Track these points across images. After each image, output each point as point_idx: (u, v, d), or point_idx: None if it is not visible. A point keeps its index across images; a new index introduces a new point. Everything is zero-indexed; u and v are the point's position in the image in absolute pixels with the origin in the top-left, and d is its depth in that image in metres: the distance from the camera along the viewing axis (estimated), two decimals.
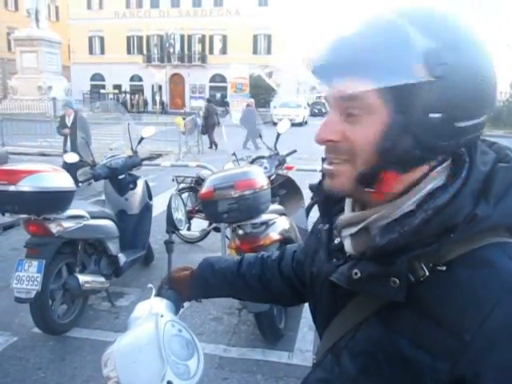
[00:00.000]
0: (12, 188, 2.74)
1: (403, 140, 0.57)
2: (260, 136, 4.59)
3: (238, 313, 3.56)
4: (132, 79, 39.37)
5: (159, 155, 11.24)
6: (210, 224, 4.88)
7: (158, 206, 4.46)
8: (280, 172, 4.01)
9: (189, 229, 5.11)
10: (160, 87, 36.85)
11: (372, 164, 0.60)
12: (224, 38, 37.65)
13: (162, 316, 0.83)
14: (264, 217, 2.98)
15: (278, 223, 3.13)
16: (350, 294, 0.67)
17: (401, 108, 0.56)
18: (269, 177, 3.42)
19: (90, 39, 39.87)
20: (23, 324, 3.25)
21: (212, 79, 38.16)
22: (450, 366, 0.54)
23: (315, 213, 4.62)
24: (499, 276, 0.55)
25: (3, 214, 3.02)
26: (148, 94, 37.90)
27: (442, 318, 0.56)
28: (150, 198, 4.28)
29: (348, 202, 0.72)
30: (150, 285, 1.09)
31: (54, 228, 2.99)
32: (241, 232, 2.90)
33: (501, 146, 0.66)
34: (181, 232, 4.83)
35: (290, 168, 4.30)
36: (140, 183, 4.14)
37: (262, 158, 3.98)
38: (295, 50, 34.72)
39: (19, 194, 2.76)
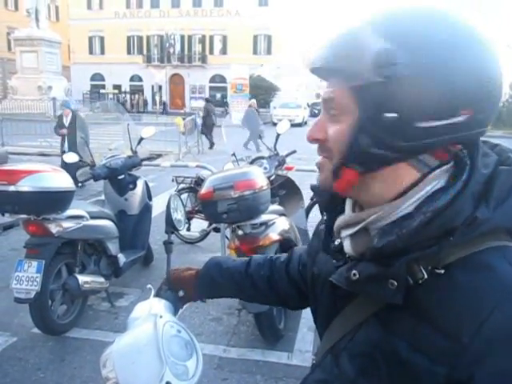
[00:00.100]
0: (12, 188, 2.74)
1: (362, 139, 0.59)
2: (260, 137, 4.59)
3: (238, 313, 3.56)
4: (132, 79, 39.38)
5: (159, 155, 11.25)
6: (210, 224, 4.89)
7: (158, 207, 4.45)
8: (280, 172, 4.01)
9: (188, 229, 5.11)
10: (160, 87, 36.86)
11: (339, 160, 0.63)
12: (224, 39, 37.67)
13: (160, 317, 0.83)
14: (264, 217, 2.98)
15: (277, 224, 3.13)
16: (350, 295, 0.67)
17: (363, 108, 0.58)
18: (268, 177, 3.42)
19: (90, 39, 39.89)
20: (23, 324, 3.25)
21: (212, 79, 38.17)
22: (447, 369, 0.54)
23: (315, 213, 4.63)
24: (498, 280, 0.55)
25: (3, 214, 3.02)
26: (148, 95, 37.92)
27: (440, 321, 0.55)
28: (150, 198, 4.28)
29: (348, 203, 0.72)
30: (149, 285, 1.09)
31: (53, 228, 2.99)
32: (240, 232, 2.90)
33: (503, 148, 0.65)
34: (180, 232, 4.82)
35: (289, 168, 4.30)
36: (140, 183, 4.14)
37: (262, 158, 3.98)
38: (295, 50, 34.75)
39: (19, 194, 2.76)
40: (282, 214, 3.34)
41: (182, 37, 37.70)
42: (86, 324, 3.34)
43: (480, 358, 0.52)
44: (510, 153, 0.64)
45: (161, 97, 36.19)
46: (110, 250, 3.56)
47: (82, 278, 3.15)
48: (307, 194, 4.42)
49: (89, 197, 6.15)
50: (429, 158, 0.60)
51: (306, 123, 24.73)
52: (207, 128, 14.41)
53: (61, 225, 3.03)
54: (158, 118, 24.14)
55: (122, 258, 3.67)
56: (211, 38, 38.01)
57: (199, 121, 14.38)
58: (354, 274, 0.64)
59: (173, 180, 5.35)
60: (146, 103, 36.53)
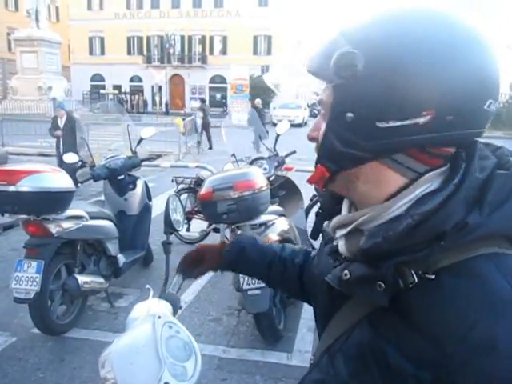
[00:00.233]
0: (11, 188, 2.75)
1: (330, 138, 0.62)
2: (260, 137, 4.59)
3: (237, 314, 3.56)
4: (132, 80, 39.38)
5: (159, 156, 11.26)
6: (210, 225, 4.89)
7: (158, 207, 4.45)
8: (279, 173, 4.02)
9: (188, 230, 5.12)
10: (160, 88, 36.86)
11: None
12: (224, 39, 37.67)
13: (159, 317, 0.83)
14: (263, 218, 2.98)
15: (277, 224, 3.13)
16: (346, 296, 0.67)
17: (331, 109, 0.62)
18: (268, 178, 3.42)
19: (90, 40, 39.89)
20: (22, 324, 3.25)
21: (212, 80, 38.17)
22: (432, 376, 0.53)
23: (314, 213, 4.61)
24: (486, 291, 0.54)
25: (3, 215, 3.02)
26: (148, 95, 37.93)
27: (426, 327, 0.55)
28: (150, 198, 4.28)
29: (345, 203, 0.72)
30: (148, 286, 1.09)
31: (53, 228, 2.99)
32: (240, 233, 2.91)
33: (505, 151, 0.63)
34: (180, 233, 4.83)
35: (289, 169, 4.30)
36: (139, 184, 4.14)
37: (262, 158, 3.99)
38: (295, 51, 34.78)
39: (18, 194, 2.76)
40: (281, 215, 3.35)
41: (182, 37, 37.70)
42: (86, 324, 3.34)
43: (462, 367, 0.52)
44: (510, 156, 0.62)
45: (161, 97, 36.20)
46: (109, 251, 3.56)
47: (81, 279, 3.15)
48: (307, 195, 4.43)
49: (88, 197, 6.15)
50: (405, 158, 0.60)
51: (305, 124, 24.73)
52: (205, 128, 14.44)
53: (60, 225, 3.03)
54: (158, 119, 24.14)
55: (121, 259, 3.67)
56: (211, 38, 38.03)
57: (199, 121, 14.40)
58: (346, 274, 0.64)
59: (172, 180, 5.36)
60: (145, 104, 36.54)
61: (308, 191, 4.24)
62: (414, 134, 0.56)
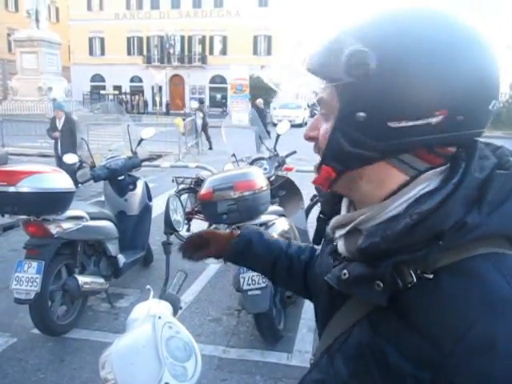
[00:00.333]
0: (11, 189, 2.75)
1: (338, 138, 0.61)
2: (260, 138, 4.59)
3: (237, 314, 3.56)
4: (132, 80, 39.38)
5: (159, 156, 11.26)
6: (210, 225, 4.88)
7: (158, 207, 4.44)
8: (279, 173, 4.02)
9: (188, 230, 5.11)
10: (160, 88, 36.86)
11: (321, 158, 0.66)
12: (224, 39, 37.68)
13: (159, 318, 0.83)
14: (263, 218, 2.98)
15: (277, 224, 3.13)
16: (345, 296, 0.67)
17: (340, 107, 0.60)
18: (268, 178, 3.42)
19: (90, 40, 39.90)
20: (22, 325, 3.25)
21: (212, 80, 38.17)
22: (431, 376, 0.53)
23: (315, 214, 4.62)
24: (484, 290, 0.54)
25: (3, 215, 3.02)
26: (148, 95, 37.93)
27: (424, 327, 0.55)
28: (150, 199, 4.28)
29: (344, 203, 0.72)
30: (148, 286, 1.09)
31: (53, 229, 2.99)
32: (246, 225, 2.90)
33: (505, 151, 0.63)
34: (180, 233, 4.82)
35: (289, 169, 4.31)
36: (139, 184, 4.14)
37: (262, 159, 3.99)
38: (295, 50, 34.79)
39: (19, 194, 2.76)
40: (281, 215, 3.35)
41: (182, 37, 37.71)
42: (86, 325, 3.34)
43: (461, 367, 0.52)
44: (510, 156, 0.62)
45: (161, 98, 36.22)
46: (109, 251, 3.56)
47: (81, 279, 3.15)
48: (307, 195, 4.43)
49: (89, 198, 6.15)
50: (411, 158, 0.60)
51: (306, 124, 24.72)
52: (204, 129, 14.44)
53: (61, 225, 3.03)
54: (158, 119, 24.13)
55: (121, 259, 3.67)
56: (211, 38, 38.03)
57: (199, 121, 14.39)
58: (344, 274, 0.64)
59: (173, 181, 5.36)
60: (146, 104, 36.54)
61: (308, 191, 4.24)
62: (426, 134, 0.57)
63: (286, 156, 4.11)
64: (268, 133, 4.57)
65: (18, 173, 2.84)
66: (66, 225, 3.07)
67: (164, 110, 34.04)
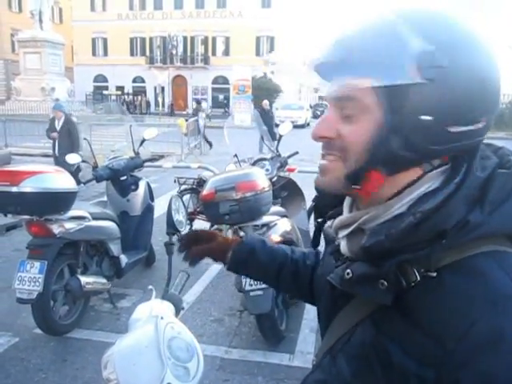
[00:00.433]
0: (14, 189, 2.76)
1: (392, 141, 0.58)
2: (262, 138, 4.59)
3: (239, 314, 3.55)
4: (135, 81, 39.46)
5: (161, 157, 11.28)
6: (212, 226, 4.88)
7: (160, 208, 4.46)
8: (282, 174, 4.02)
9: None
10: (163, 89, 36.93)
11: (361, 162, 0.61)
12: (227, 40, 37.71)
13: (161, 318, 0.83)
14: (265, 219, 2.98)
15: (279, 225, 3.13)
16: (348, 296, 0.67)
17: (393, 109, 0.57)
18: (270, 178, 3.42)
19: (93, 41, 40.01)
20: (25, 325, 3.26)
21: (214, 81, 38.21)
22: (435, 374, 0.53)
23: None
24: (487, 287, 0.54)
25: (5, 215, 3.03)
26: (151, 96, 37.99)
27: (428, 325, 0.55)
28: (152, 199, 4.29)
29: (346, 204, 0.72)
30: (150, 286, 1.09)
31: (55, 229, 3.00)
32: (242, 234, 2.91)
33: (506, 151, 0.64)
34: (182, 233, 4.82)
35: (291, 170, 4.30)
36: (142, 184, 4.15)
37: (264, 159, 3.99)
38: (297, 51, 34.78)
39: (21, 194, 2.77)
40: (283, 216, 3.34)
41: (185, 38, 37.76)
42: (88, 325, 3.35)
43: (465, 363, 0.52)
44: (511, 156, 0.63)
45: (163, 98, 36.27)
46: (112, 251, 3.57)
47: (84, 279, 3.16)
48: (309, 196, 4.43)
49: (91, 198, 6.16)
50: (438, 161, 0.61)
51: (308, 125, 24.73)
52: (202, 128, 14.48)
53: (63, 226, 3.04)
54: (161, 120, 24.18)
55: (124, 259, 3.68)
56: (214, 39, 38.07)
57: (201, 122, 14.40)
58: (348, 274, 0.64)
59: (175, 181, 5.36)
60: (148, 104, 36.61)
61: (310, 192, 4.22)
62: (471, 138, 0.58)
63: (288, 157, 4.11)
64: (274, 134, 4.54)
65: (21, 173, 2.85)
66: (69, 225, 3.08)
67: (166, 110, 34.09)
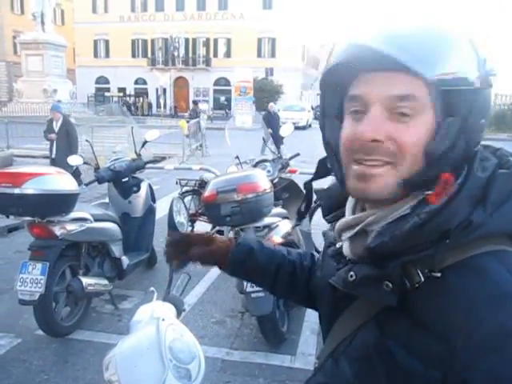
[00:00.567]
0: (16, 191, 2.76)
1: (458, 142, 0.58)
2: (264, 140, 4.60)
3: (241, 316, 3.55)
4: (136, 82, 39.52)
5: (163, 158, 11.29)
6: (213, 227, 4.89)
7: (162, 209, 4.47)
8: (283, 175, 4.02)
9: (192, 232, 5.12)
10: (164, 90, 36.96)
11: (421, 166, 0.59)
12: (228, 42, 37.75)
13: (163, 320, 0.83)
14: (267, 220, 2.98)
15: (280, 226, 3.13)
16: (350, 299, 0.67)
17: (458, 111, 0.58)
18: (272, 180, 3.43)
19: (95, 42, 40.09)
20: (27, 326, 3.26)
21: (216, 82, 38.24)
22: (442, 374, 0.54)
23: (318, 216, 4.61)
24: (491, 286, 0.54)
25: (8, 217, 3.03)
26: (152, 98, 38.04)
27: (434, 325, 0.55)
28: (154, 200, 4.29)
29: (349, 206, 0.73)
30: (152, 288, 1.09)
31: (57, 230, 3.00)
32: (243, 235, 2.91)
33: (504, 152, 0.65)
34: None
35: (293, 171, 4.31)
36: (143, 186, 4.15)
37: (266, 161, 4.00)
38: (299, 53, 34.80)
39: (23, 196, 2.78)
40: (285, 217, 3.34)
41: (187, 40, 37.81)
42: (90, 326, 3.35)
43: (472, 363, 0.52)
44: (510, 156, 0.64)
45: (165, 100, 36.32)
46: (113, 253, 3.57)
47: (85, 281, 3.16)
48: None
49: (93, 199, 6.17)
50: None
51: (310, 126, 24.72)
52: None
53: (65, 227, 3.04)
54: (163, 121, 24.20)
55: (125, 261, 3.68)
56: (215, 41, 38.12)
57: (203, 124, 14.40)
58: (351, 276, 0.64)
59: (176, 183, 5.37)
60: (150, 106, 36.66)
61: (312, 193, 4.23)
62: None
63: (290, 158, 4.12)
64: (281, 137, 4.50)
65: (23, 174, 2.85)
66: (71, 226, 3.08)
67: (168, 112, 34.13)
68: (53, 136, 7.47)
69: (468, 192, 0.57)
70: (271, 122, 11.15)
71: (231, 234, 3.56)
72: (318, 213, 4.55)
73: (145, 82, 39.38)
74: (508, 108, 24.50)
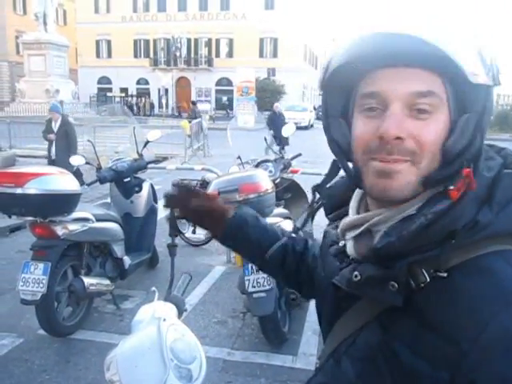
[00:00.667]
0: (18, 190, 2.77)
1: (474, 139, 0.59)
2: (265, 139, 4.59)
3: (242, 316, 3.55)
4: (138, 82, 39.58)
5: (165, 158, 11.30)
6: None
7: (163, 209, 4.46)
8: (285, 175, 4.02)
9: (194, 232, 5.06)
10: (166, 90, 37.01)
11: (439, 164, 0.59)
12: (230, 42, 37.78)
13: (164, 320, 0.83)
14: (268, 220, 2.97)
15: (282, 227, 3.12)
16: (352, 299, 0.66)
17: (473, 108, 0.58)
18: (273, 180, 3.42)
19: (98, 43, 40.17)
20: (29, 326, 3.27)
21: (218, 83, 38.27)
22: (449, 375, 0.53)
23: (320, 216, 4.59)
24: (498, 285, 0.54)
25: (10, 217, 3.04)
26: (154, 98, 38.09)
27: (441, 326, 0.55)
28: (156, 200, 4.30)
29: (353, 205, 0.72)
30: (153, 288, 1.09)
31: (59, 230, 3.01)
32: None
33: (509, 151, 0.65)
34: (186, 235, 4.83)
35: (295, 171, 4.31)
36: (145, 186, 4.16)
37: (267, 161, 3.99)
38: (301, 53, 34.78)
39: (25, 196, 2.78)
40: (287, 217, 3.34)
41: (189, 40, 37.86)
42: (92, 326, 3.35)
43: (480, 364, 0.51)
44: None
45: (167, 100, 36.37)
46: (115, 253, 3.57)
47: (87, 280, 3.17)
48: None
49: (95, 199, 6.18)
50: None
51: (312, 126, 24.72)
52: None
53: (67, 227, 3.05)
54: (165, 121, 24.23)
55: (127, 261, 3.68)
56: (217, 41, 38.15)
57: (205, 124, 14.40)
58: (356, 276, 0.63)
59: None
60: (152, 106, 36.71)
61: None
62: None
63: (292, 158, 4.11)
64: (286, 138, 4.49)
65: (25, 174, 2.86)
66: (73, 226, 3.09)
67: (170, 112, 34.17)
68: (52, 136, 7.43)
69: (475, 192, 0.57)
70: (276, 122, 11.13)
71: None
72: (320, 213, 4.53)
73: (147, 82, 39.44)
74: (511, 108, 24.45)
